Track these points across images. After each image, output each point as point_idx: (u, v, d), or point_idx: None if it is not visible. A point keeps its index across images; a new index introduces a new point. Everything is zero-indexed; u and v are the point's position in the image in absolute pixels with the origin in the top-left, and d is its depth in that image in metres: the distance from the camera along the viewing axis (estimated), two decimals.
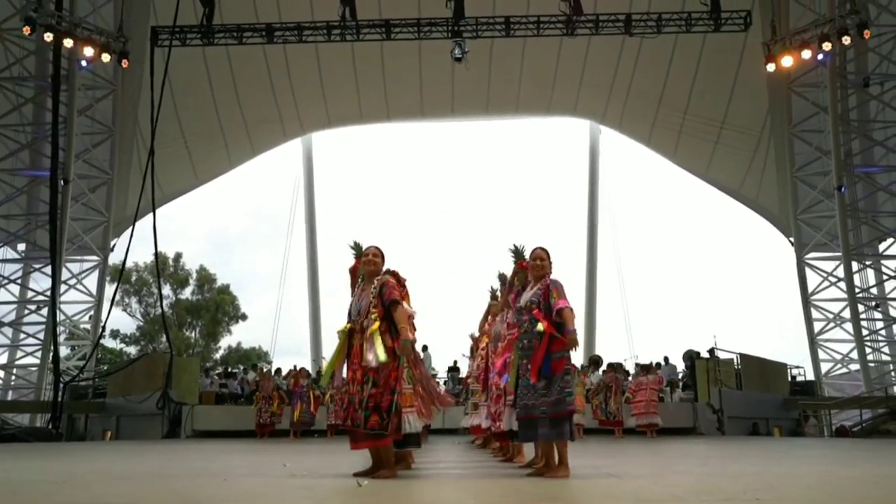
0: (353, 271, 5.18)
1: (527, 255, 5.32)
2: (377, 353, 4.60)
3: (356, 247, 5.20)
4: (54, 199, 15.74)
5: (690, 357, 16.54)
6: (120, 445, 12.13)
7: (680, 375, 17.40)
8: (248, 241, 50.62)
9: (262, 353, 33.36)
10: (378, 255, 5.04)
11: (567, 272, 5.19)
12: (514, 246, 5.56)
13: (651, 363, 15.45)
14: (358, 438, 4.68)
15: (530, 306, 4.93)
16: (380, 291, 4.86)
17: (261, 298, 47.55)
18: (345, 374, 4.90)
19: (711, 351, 16.24)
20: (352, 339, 4.84)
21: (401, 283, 5.23)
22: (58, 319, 16.27)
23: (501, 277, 6.61)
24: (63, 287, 17.72)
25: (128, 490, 4.22)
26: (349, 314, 4.94)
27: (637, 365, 15.84)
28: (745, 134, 20.05)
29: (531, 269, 5.12)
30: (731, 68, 19.20)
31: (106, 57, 15.91)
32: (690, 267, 40.29)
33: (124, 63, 16.33)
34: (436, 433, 13.52)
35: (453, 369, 18.57)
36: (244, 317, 35.87)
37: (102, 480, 4.86)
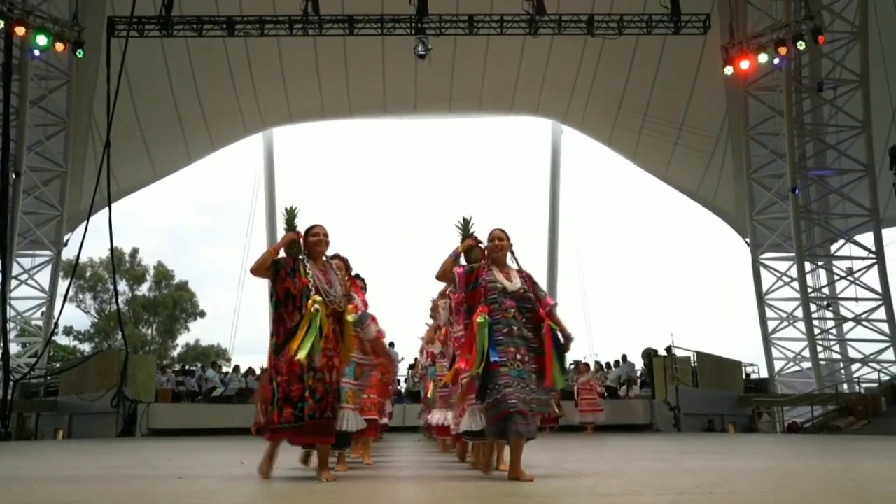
0: (299, 241, 4.63)
1: (477, 231, 4.84)
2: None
3: (290, 213, 4.69)
4: (5, 191, 15.28)
5: (648, 355, 16.80)
6: (72, 444, 11.86)
7: (638, 373, 17.65)
8: (207, 238, 49.93)
9: (220, 350, 32.96)
10: (327, 235, 4.67)
11: (528, 270, 4.60)
12: (464, 218, 4.90)
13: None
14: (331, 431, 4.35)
15: (525, 294, 4.45)
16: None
17: (220, 296, 46.97)
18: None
19: (669, 349, 16.53)
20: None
21: (349, 268, 5.16)
22: (8, 315, 15.82)
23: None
24: (14, 282, 17.27)
25: (80, 489, 4.13)
26: (317, 290, 4.40)
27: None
28: (704, 136, 20.39)
29: (490, 250, 4.61)
30: (690, 71, 19.51)
31: (60, 46, 15.51)
32: (649, 266, 40.90)
33: (79, 53, 15.93)
34: (394, 431, 13.48)
35: (414, 366, 18.51)
36: (202, 314, 35.39)
37: (53, 479, 4.74)
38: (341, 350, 4.48)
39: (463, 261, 4.79)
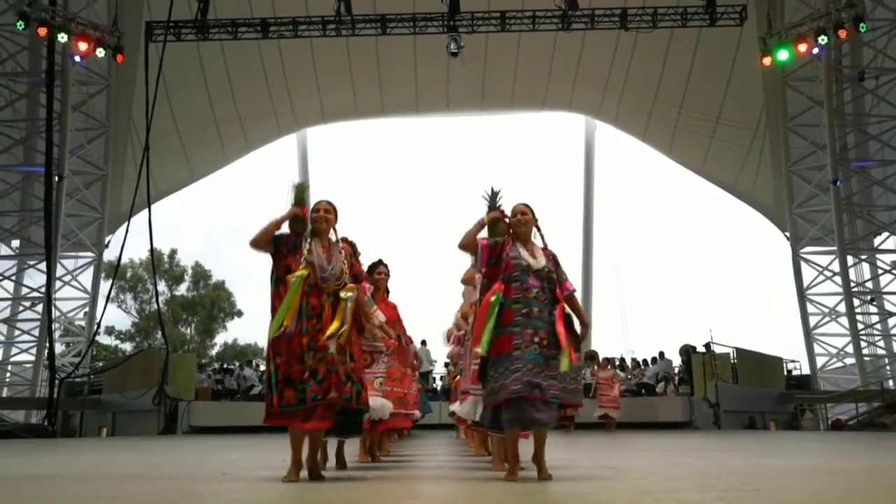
0: (303, 218, 4.40)
1: (504, 206, 4.54)
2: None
3: (298, 188, 4.52)
4: (49, 195, 15.69)
5: (686, 351, 16.57)
6: (116, 441, 12.11)
7: (676, 370, 17.44)
8: (244, 238, 50.32)
9: (257, 349, 33.39)
10: (331, 210, 4.39)
11: (552, 250, 4.31)
12: (492, 188, 4.59)
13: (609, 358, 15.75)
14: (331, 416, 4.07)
15: (549, 275, 4.21)
16: (350, 259, 4.42)
17: (256, 295, 47.43)
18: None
19: (707, 345, 16.29)
20: (320, 298, 4.16)
21: (356, 255, 4.92)
22: (53, 316, 16.22)
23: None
24: (58, 284, 17.66)
25: (128, 484, 4.21)
26: (308, 264, 4.16)
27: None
28: (741, 128, 20.06)
29: (514, 224, 4.34)
30: (726, 63, 19.19)
31: (100, 52, 15.85)
32: (686, 261, 40.35)
33: (119, 58, 16.27)
34: (430, 428, 13.52)
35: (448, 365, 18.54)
36: (240, 313, 35.90)
37: (101, 475, 4.84)
38: (342, 330, 4.10)
39: (485, 233, 4.47)
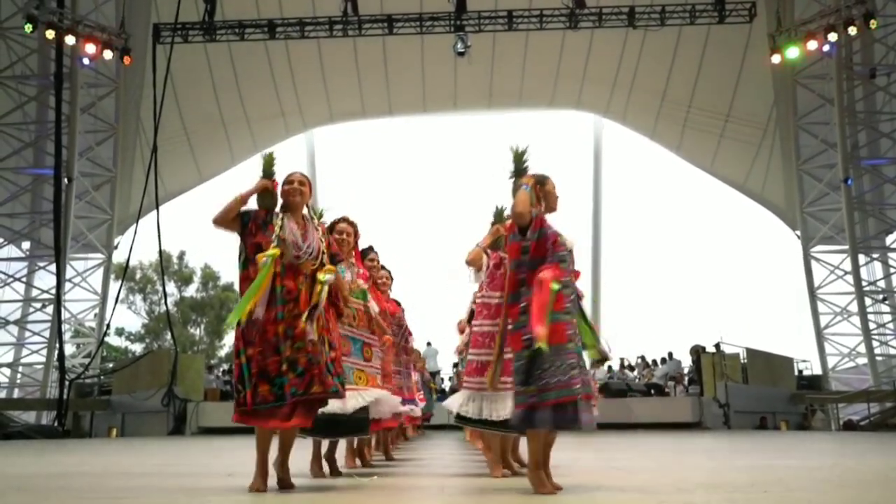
0: (273, 192, 3.99)
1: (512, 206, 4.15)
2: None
3: (267, 159, 4.06)
4: (58, 197, 15.73)
5: (696, 351, 16.48)
6: (126, 442, 12.13)
7: (685, 370, 17.34)
8: None
9: None
10: (305, 183, 3.95)
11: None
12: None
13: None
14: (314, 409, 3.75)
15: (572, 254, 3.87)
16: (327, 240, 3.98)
17: None
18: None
19: (717, 345, 16.20)
20: (296, 280, 3.73)
21: (357, 234, 4.70)
22: (62, 317, 16.27)
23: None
24: (68, 285, 17.71)
25: (136, 483, 4.20)
26: (281, 242, 3.73)
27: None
28: (751, 127, 19.93)
29: (548, 199, 3.92)
30: (735, 60, 19.08)
31: (108, 54, 15.90)
32: (696, 261, 40.08)
33: (126, 60, 16.31)
34: (437, 428, 13.49)
35: (457, 364, 18.50)
36: None
37: (110, 475, 4.83)
38: (316, 314, 3.68)
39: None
